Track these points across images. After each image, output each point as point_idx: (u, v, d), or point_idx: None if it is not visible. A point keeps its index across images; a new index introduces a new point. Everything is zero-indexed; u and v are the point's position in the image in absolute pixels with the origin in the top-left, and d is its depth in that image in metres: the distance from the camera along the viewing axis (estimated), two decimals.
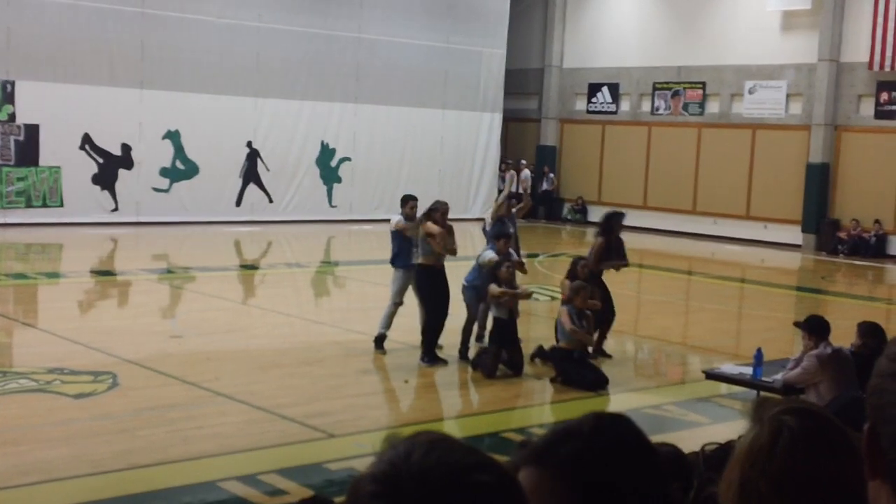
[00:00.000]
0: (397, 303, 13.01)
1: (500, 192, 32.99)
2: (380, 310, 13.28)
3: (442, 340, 13.11)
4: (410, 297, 12.97)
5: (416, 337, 12.75)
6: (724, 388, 11.54)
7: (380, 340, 13.07)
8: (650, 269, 22.54)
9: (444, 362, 12.54)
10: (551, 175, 33.83)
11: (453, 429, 10.36)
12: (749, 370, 10.69)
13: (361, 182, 30.27)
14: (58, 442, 8.99)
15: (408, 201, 13.10)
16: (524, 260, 14.21)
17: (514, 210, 14.84)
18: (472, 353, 12.77)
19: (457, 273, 13.23)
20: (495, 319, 12.22)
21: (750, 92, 29.19)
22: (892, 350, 1.63)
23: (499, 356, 12.08)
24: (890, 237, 26.69)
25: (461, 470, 1.32)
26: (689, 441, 7.26)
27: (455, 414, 10.96)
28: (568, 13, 33.83)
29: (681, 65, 30.77)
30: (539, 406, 11.70)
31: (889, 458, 1.57)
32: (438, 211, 12.67)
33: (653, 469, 1.85)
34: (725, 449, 5.03)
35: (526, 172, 33.87)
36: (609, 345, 13.48)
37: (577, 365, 11.76)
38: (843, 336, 10.67)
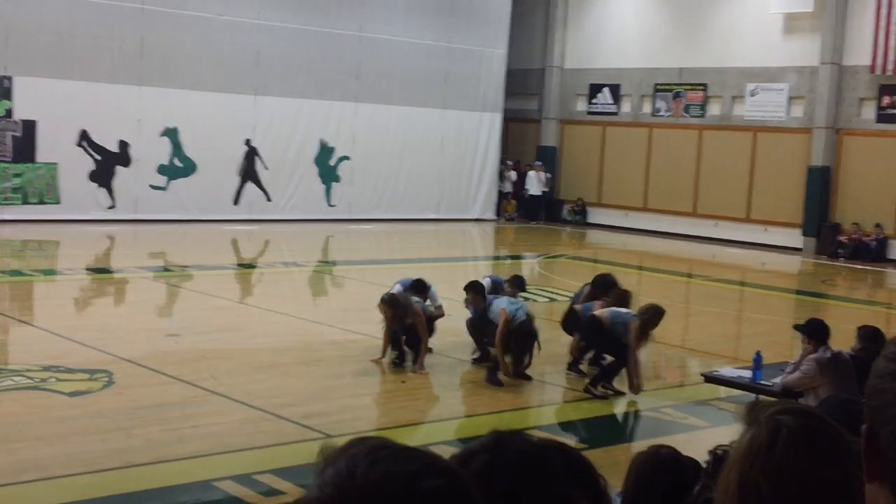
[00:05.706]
0: None
1: (500, 192, 33.13)
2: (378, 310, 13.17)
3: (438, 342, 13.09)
4: None
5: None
6: (722, 391, 11.48)
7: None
8: (649, 272, 22.47)
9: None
10: (544, 175, 33.43)
11: (450, 431, 10.31)
12: (748, 373, 10.63)
13: (360, 181, 30.19)
14: (52, 440, 8.93)
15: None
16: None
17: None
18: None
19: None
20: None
21: (751, 94, 29.14)
22: (891, 350, 1.60)
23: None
24: (890, 241, 26.64)
25: (410, 478, 1.26)
26: (688, 444, 7.22)
27: (452, 415, 10.90)
28: (569, 14, 33.77)
29: (682, 66, 30.72)
30: (537, 408, 11.63)
31: (888, 458, 1.54)
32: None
33: (553, 478, 1.94)
34: None
35: (512, 174, 33.82)
36: None
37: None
38: (843, 340, 10.62)
